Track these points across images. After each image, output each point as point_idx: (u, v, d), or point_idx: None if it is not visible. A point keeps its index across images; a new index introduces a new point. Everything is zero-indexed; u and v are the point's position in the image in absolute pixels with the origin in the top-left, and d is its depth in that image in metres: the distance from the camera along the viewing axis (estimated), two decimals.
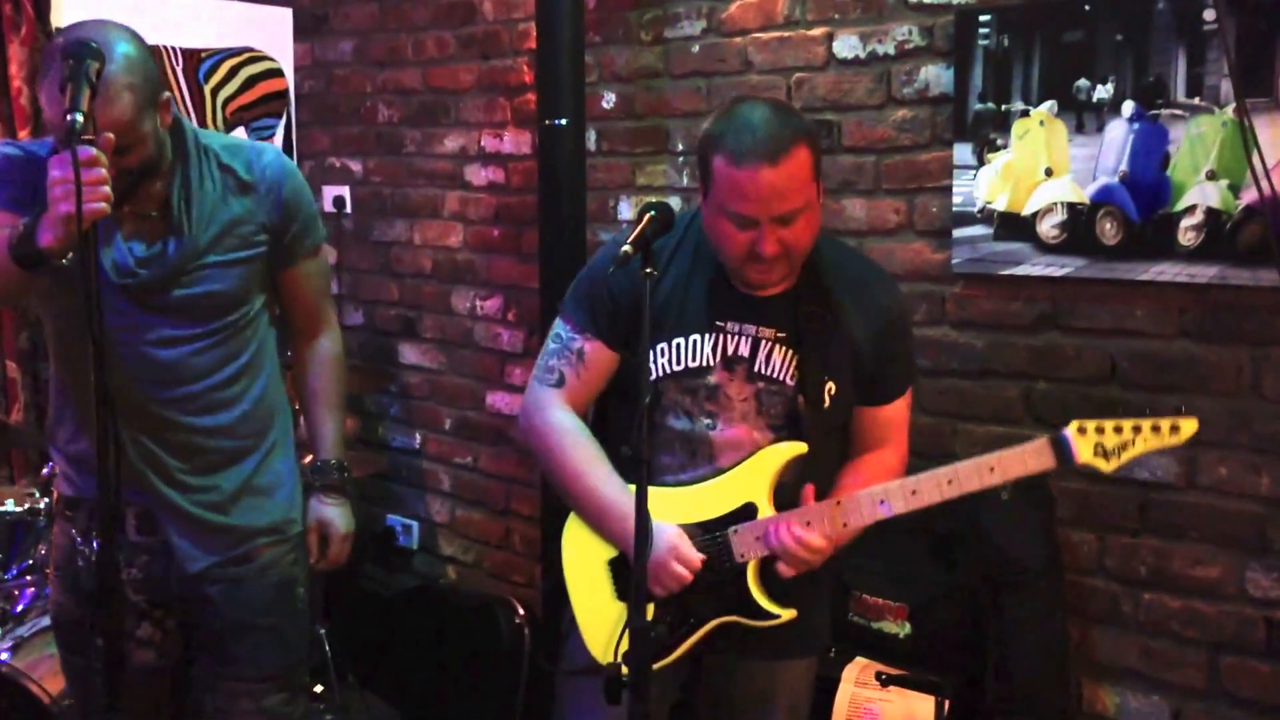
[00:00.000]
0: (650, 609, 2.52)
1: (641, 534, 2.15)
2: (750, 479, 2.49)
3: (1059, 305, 3.23)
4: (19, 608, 3.66)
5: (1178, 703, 3.14)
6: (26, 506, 3.75)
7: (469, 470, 4.91)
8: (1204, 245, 2.96)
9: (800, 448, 2.48)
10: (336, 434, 2.94)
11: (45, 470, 3.84)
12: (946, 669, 3.12)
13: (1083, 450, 2.30)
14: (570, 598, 2.64)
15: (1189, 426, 2.28)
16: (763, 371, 2.50)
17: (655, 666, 2.47)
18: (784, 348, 2.50)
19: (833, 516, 2.42)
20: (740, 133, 2.33)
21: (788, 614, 2.48)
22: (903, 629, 3.24)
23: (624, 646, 2.42)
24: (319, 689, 4.30)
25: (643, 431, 2.17)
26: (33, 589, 3.72)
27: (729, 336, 2.51)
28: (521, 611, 4.27)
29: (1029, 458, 2.34)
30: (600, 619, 2.59)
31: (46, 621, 3.51)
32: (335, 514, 2.89)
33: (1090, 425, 2.30)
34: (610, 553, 2.57)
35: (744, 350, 2.50)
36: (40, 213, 2.22)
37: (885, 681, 3.10)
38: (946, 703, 3.03)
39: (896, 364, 2.61)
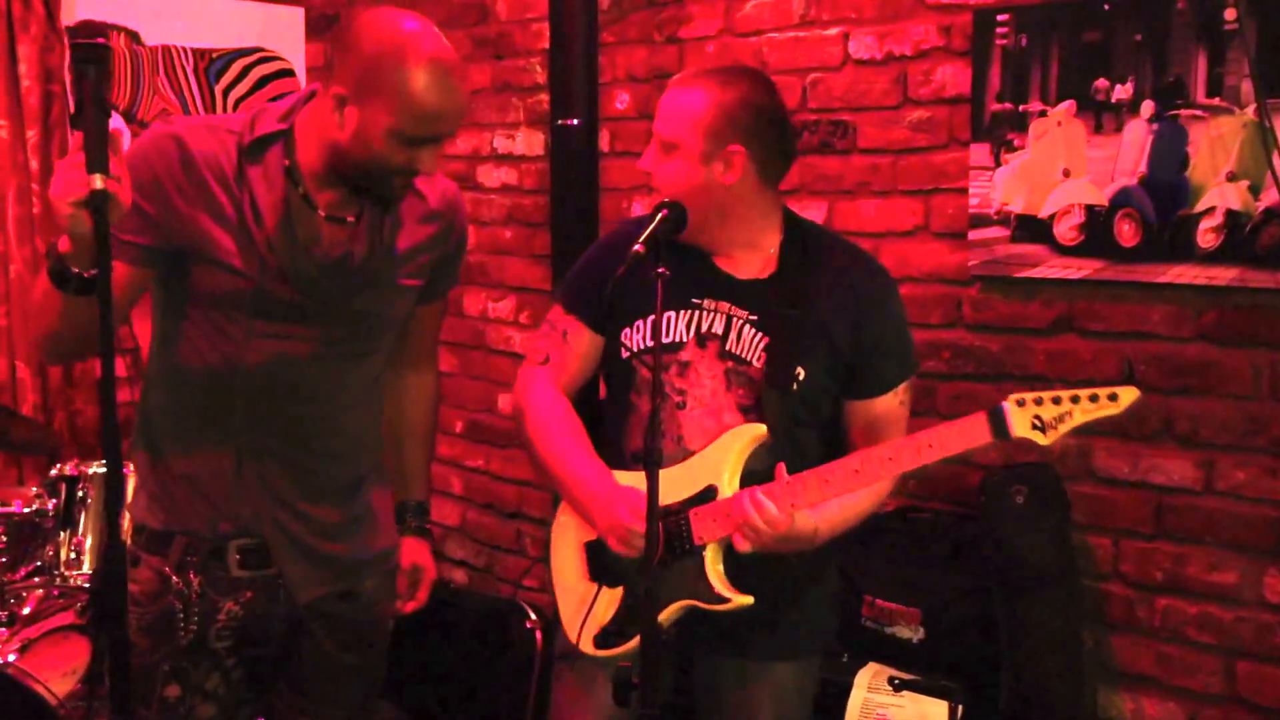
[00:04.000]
0: (619, 593, 2.54)
1: (651, 538, 2.13)
2: (713, 461, 2.47)
3: (1076, 307, 3.21)
4: (27, 609, 3.65)
5: (1194, 709, 3.11)
6: (35, 508, 3.74)
7: (480, 473, 4.89)
8: (1223, 247, 2.93)
9: (759, 429, 2.45)
10: (429, 476, 2.90)
11: (53, 471, 3.83)
12: (960, 674, 3.10)
13: (1019, 424, 2.24)
14: (552, 581, 2.68)
15: (1128, 395, 2.21)
16: (732, 350, 2.50)
17: (619, 651, 2.50)
18: (754, 329, 2.50)
19: (781, 496, 2.36)
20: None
21: (741, 599, 2.42)
22: (916, 633, 3.22)
23: (588, 628, 2.53)
24: None
25: (654, 434, 2.15)
26: (40, 591, 3.71)
27: (704, 314, 2.53)
28: (533, 616, 4.24)
29: (966, 432, 2.29)
30: (573, 600, 2.60)
31: (54, 624, 3.51)
32: (429, 558, 2.86)
33: (1029, 397, 2.25)
34: (588, 535, 2.57)
35: (718, 328, 2.52)
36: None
37: (898, 686, 3.08)
38: (960, 708, 3.01)
39: (880, 355, 2.55)
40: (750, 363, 2.49)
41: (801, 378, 2.48)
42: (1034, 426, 2.24)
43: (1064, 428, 2.23)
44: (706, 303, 2.53)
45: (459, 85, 2.33)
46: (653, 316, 2.49)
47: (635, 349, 2.56)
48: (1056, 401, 2.23)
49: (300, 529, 2.55)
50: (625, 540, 2.43)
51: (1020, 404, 2.24)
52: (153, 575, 2.52)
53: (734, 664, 2.63)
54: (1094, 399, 2.21)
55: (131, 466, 2.67)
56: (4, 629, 3.56)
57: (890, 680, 3.09)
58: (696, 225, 2.47)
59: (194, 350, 2.48)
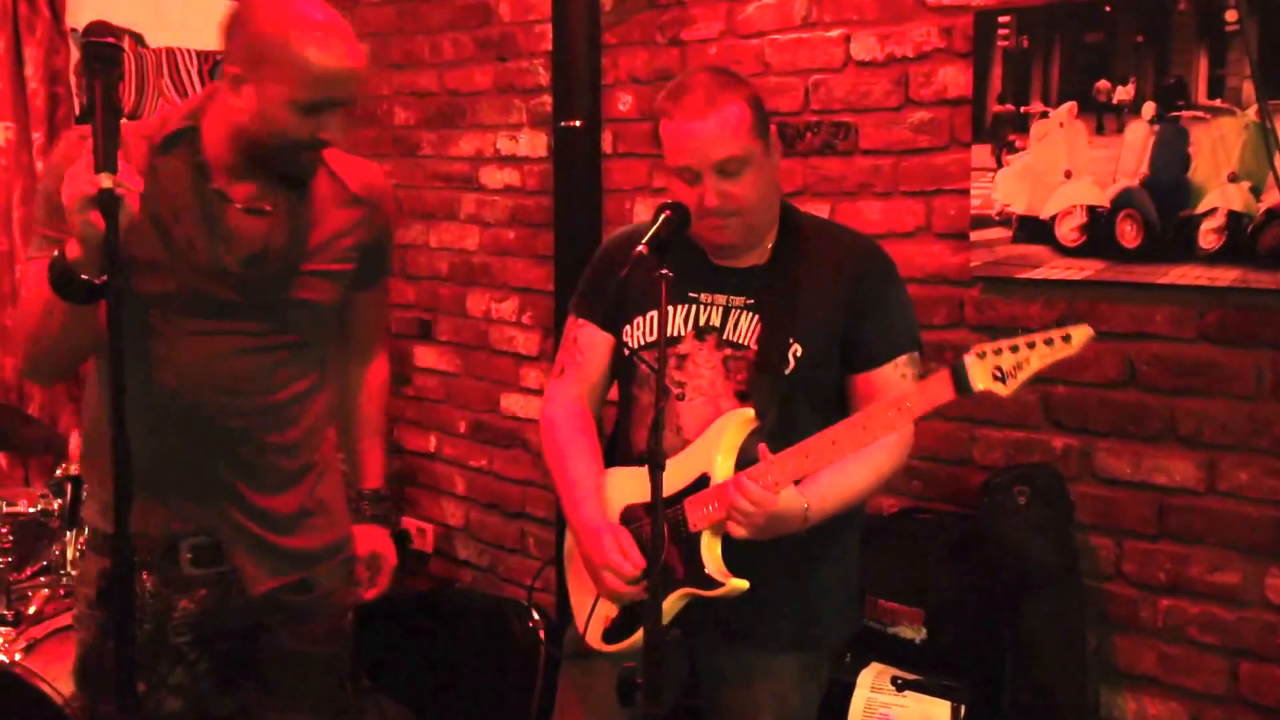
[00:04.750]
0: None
1: (657, 544, 2.14)
2: (705, 449, 2.48)
3: (1078, 308, 3.21)
4: (33, 609, 3.66)
5: (1196, 709, 3.11)
6: (40, 508, 3.75)
7: (484, 473, 4.90)
8: (1225, 248, 2.94)
9: (746, 413, 2.46)
10: (384, 463, 2.94)
11: (58, 471, 3.84)
12: (963, 674, 3.10)
13: (979, 376, 2.21)
14: (567, 576, 2.70)
15: (1081, 334, 2.15)
16: (730, 338, 2.53)
17: (626, 645, 2.52)
18: (751, 314, 2.52)
19: (763, 476, 2.36)
20: (679, 92, 2.46)
21: (734, 584, 2.42)
22: (919, 634, 3.22)
23: (595, 623, 2.57)
24: None
25: (659, 437, 2.16)
26: (46, 590, 3.72)
27: (701, 307, 2.56)
28: (536, 615, 4.25)
29: (933, 390, 2.28)
30: (583, 595, 2.63)
31: (61, 623, 3.51)
32: (387, 545, 2.90)
33: (989, 348, 2.21)
34: None
35: (715, 320, 2.54)
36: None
37: (901, 686, 3.08)
38: (963, 708, 3.02)
39: (876, 324, 2.54)
40: (747, 346, 2.51)
41: (799, 355, 2.49)
42: (995, 378, 2.21)
43: (1022, 375, 2.19)
44: (704, 296, 2.56)
45: (348, 46, 2.35)
46: (652, 313, 2.53)
47: (635, 345, 2.59)
48: (1014, 350, 2.19)
49: (252, 524, 2.58)
50: (608, 594, 2.50)
51: (981, 355, 2.21)
52: (103, 576, 2.57)
53: (737, 659, 2.63)
54: (1049, 342, 2.17)
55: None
56: (10, 628, 3.56)
57: (893, 680, 3.10)
58: (766, 223, 2.53)
59: (131, 355, 2.47)
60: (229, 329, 2.48)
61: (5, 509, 3.73)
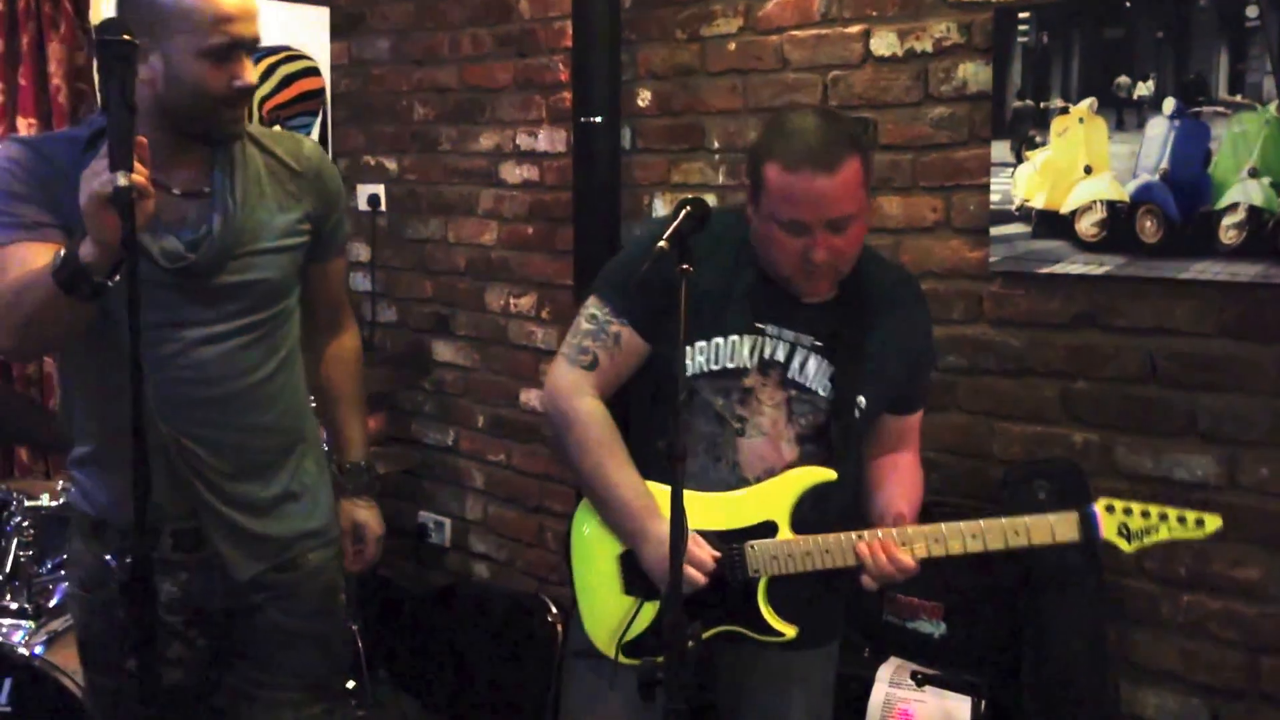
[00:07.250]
0: (654, 607, 2.52)
1: (678, 536, 2.13)
2: (774, 497, 2.48)
3: (1098, 304, 3.21)
4: (53, 602, 3.68)
5: (1217, 705, 3.11)
6: (62, 501, 3.76)
7: (502, 468, 4.91)
8: (1246, 244, 2.93)
9: (829, 475, 2.47)
10: (364, 435, 2.93)
11: None
12: (982, 669, 3.10)
13: (1107, 528, 2.37)
14: (574, 584, 2.65)
15: (1213, 523, 2.36)
16: (795, 379, 2.50)
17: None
18: (820, 357, 2.50)
19: (849, 551, 2.43)
20: (792, 139, 2.37)
21: (791, 632, 2.48)
22: (938, 628, 3.22)
23: (629, 638, 2.53)
24: (351, 685, 4.31)
25: (677, 429, 2.15)
26: (67, 584, 3.73)
27: (768, 340, 2.50)
28: (554, 609, 4.26)
29: (1056, 527, 2.39)
30: (606, 611, 2.58)
31: None
32: (370, 516, 2.90)
33: (1119, 505, 2.37)
34: (622, 547, 2.56)
35: (780, 355, 2.50)
36: (84, 234, 2.17)
37: (920, 681, 3.08)
38: (983, 703, 3.01)
39: (924, 373, 2.69)
40: (816, 392, 2.50)
41: (863, 406, 2.51)
42: (1120, 533, 2.36)
43: (1148, 540, 2.37)
44: (770, 328, 2.51)
45: None
46: (717, 339, 2.50)
47: (697, 372, 2.51)
48: (1145, 515, 2.36)
49: (232, 510, 2.58)
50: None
51: (1110, 510, 2.36)
52: (94, 560, 2.59)
53: (762, 657, 2.63)
54: (1181, 520, 2.36)
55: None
56: (31, 621, 3.59)
57: (913, 675, 3.09)
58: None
59: (98, 350, 2.49)
60: (189, 317, 2.48)
61: (26, 503, 3.75)
